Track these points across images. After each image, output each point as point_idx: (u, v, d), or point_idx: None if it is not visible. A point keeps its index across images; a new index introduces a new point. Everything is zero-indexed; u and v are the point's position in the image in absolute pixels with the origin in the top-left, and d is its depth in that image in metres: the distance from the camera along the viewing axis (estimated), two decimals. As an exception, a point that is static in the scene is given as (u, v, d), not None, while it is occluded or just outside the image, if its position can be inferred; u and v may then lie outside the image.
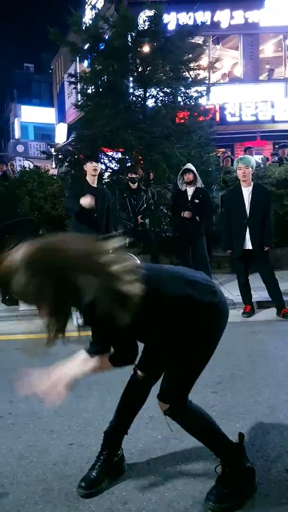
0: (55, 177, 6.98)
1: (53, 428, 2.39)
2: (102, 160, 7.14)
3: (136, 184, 5.58)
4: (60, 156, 7.44)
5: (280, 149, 9.14)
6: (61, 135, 19.47)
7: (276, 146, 10.86)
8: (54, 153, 8.10)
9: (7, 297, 5.38)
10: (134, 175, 5.53)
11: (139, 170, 5.68)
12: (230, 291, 5.29)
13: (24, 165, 9.51)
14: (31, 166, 9.44)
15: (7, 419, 2.51)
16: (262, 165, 7.27)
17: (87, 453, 2.10)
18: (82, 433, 2.31)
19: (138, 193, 5.56)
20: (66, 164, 7.11)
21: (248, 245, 4.37)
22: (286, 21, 12.85)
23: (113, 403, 2.57)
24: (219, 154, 8.89)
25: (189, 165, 5.46)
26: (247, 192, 4.38)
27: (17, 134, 28.05)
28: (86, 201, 4.16)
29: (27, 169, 7.64)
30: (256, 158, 7.51)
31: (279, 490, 1.79)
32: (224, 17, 12.82)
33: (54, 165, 8.98)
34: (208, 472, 1.92)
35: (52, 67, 24.82)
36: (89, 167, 4.40)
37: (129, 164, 6.56)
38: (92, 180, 4.44)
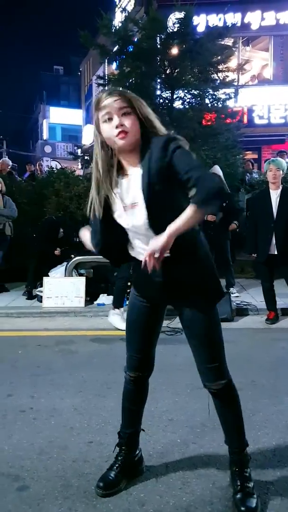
0: (81, 178, 7.06)
1: (73, 425, 2.41)
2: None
3: None
4: (86, 157, 7.54)
5: None
6: (88, 137, 19.69)
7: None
8: (81, 154, 8.21)
9: (27, 290, 5.51)
10: None
11: None
12: (254, 296, 5.21)
13: (51, 166, 9.67)
14: (58, 166, 9.59)
15: (29, 413, 2.55)
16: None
17: (106, 452, 2.11)
18: (101, 432, 2.32)
19: None
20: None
21: (274, 250, 4.29)
22: None
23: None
24: (245, 157, 8.79)
25: (215, 169, 5.41)
26: (275, 195, 4.31)
27: (45, 135, 28.59)
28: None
29: (55, 169, 7.77)
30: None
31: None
32: (255, 18, 12.65)
33: (80, 166, 9.10)
34: (227, 479, 1.89)
35: (80, 69, 25.16)
36: None
37: None
38: None
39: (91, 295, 5.31)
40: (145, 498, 1.78)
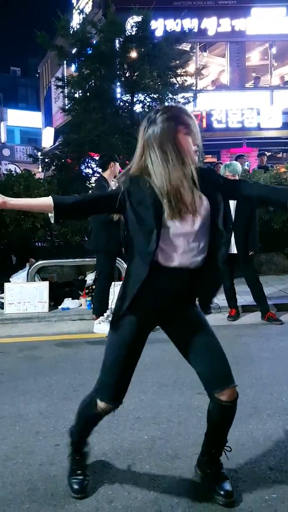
0: (41, 181, 6.96)
1: (39, 429, 2.38)
2: (89, 164, 7.18)
3: None
4: (47, 160, 7.44)
5: (259, 157, 9.35)
6: (48, 139, 19.42)
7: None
8: (41, 157, 8.08)
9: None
10: None
11: None
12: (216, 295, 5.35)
13: (10, 169, 9.45)
14: (17, 170, 9.38)
15: (-8, 421, 2.50)
16: (248, 172, 7.38)
17: (73, 454, 2.10)
18: (68, 434, 2.31)
19: None
20: (53, 168, 7.12)
21: (234, 250, 4.44)
22: (271, 30, 13.12)
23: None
24: (207, 161, 9.03)
25: None
26: (232, 198, 4.46)
27: (3, 138, 27.83)
28: None
29: (13, 172, 7.60)
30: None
31: (263, 487, 1.83)
32: (211, 24, 13.02)
33: (40, 169, 8.96)
34: (193, 471, 1.94)
35: (39, 71, 24.79)
36: (118, 166, 4.19)
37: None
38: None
39: (55, 300, 5.24)
40: (113, 495, 1.80)
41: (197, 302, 1.78)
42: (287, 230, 6.57)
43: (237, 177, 4.45)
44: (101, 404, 1.71)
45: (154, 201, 1.55)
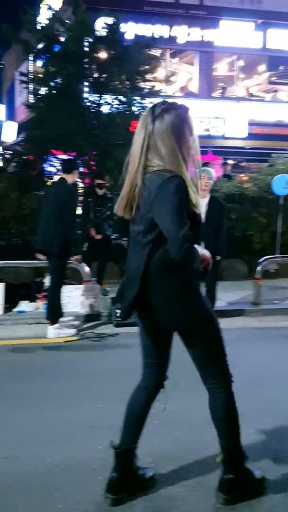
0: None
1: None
2: (52, 163, 7.01)
3: (102, 191, 5.54)
4: (7, 156, 7.20)
5: (223, 166, 9.59)
6: (9, 134, 18.82)
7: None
8: (1, 152, 7.81)
9: None
10: (101, 181, 5.51)
11: (106, 177, 5.64)
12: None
13: None
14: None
15: None
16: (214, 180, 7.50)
17: (23, 466, 1.99)
18: (18, 446, 2.19)
19: (103, 200, 5.51)
20: (14, 164, 6.89)
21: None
22: (239, 43, 13.49)
23: (52, 414, 2.49)
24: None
25: None
26: (203, 203, 4.51)
27: None
28: None
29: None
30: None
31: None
32: (181, 32, 13.18)
33: (1, 164, 8.66)
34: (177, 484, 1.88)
35: (3, 62, 24.04)
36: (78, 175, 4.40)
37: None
38: None
39: (10, 302, 5.03)
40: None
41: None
42: (247, 238, 6.74)
43: (212, 182, 4.58)
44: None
45: None
